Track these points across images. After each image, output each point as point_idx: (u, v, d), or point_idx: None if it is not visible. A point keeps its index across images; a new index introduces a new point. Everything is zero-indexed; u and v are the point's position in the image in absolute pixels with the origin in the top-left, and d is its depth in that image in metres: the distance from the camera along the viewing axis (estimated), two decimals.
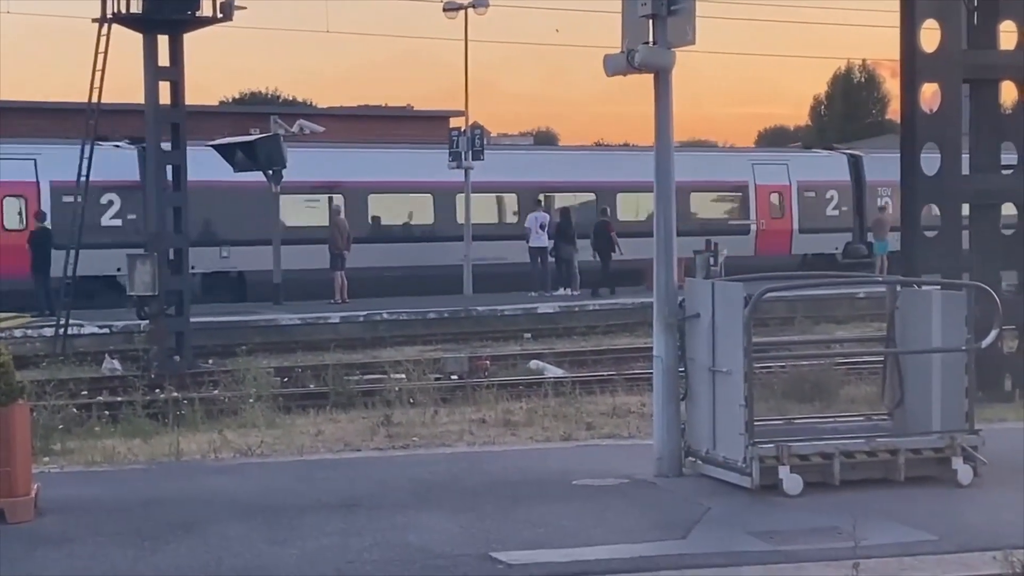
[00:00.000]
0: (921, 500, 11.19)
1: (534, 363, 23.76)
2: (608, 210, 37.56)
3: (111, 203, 33.19)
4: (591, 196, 39.04)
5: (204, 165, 29.85)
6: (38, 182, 32.57)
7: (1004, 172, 18.07)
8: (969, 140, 17.98)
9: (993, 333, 12.56)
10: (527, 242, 36.10)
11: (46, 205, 31.91)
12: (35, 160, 32.79)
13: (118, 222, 33.25)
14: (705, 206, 40.95)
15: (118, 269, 30.39)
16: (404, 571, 9.26)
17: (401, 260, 36.21)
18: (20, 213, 32.57)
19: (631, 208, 38.64)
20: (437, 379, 20.68)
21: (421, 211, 38.06)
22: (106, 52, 25.17)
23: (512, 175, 38.75)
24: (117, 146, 34.13)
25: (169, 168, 24.50)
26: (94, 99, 25.54)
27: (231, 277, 34.82)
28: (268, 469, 13.07)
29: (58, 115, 39.28)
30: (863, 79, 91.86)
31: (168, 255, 24.25)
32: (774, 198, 42.17)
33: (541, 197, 37.66)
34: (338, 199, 36.21)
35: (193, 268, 28.59)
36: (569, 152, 45.84)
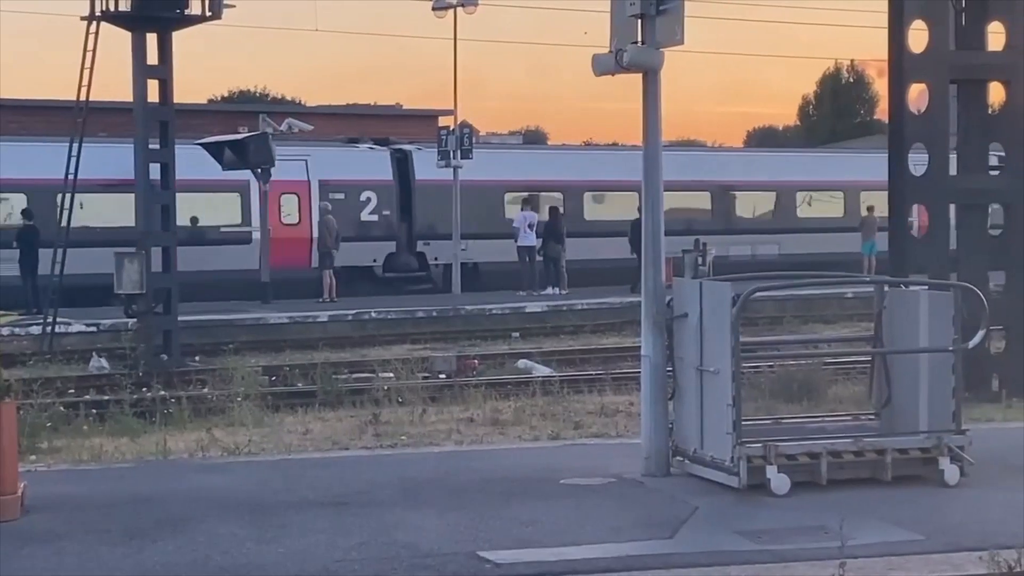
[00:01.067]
0: (908, 500, 11.20)
1: (522, 362, 23.77)
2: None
3: (369, 200, 36.77)
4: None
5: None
6: (309, 180, 35.90)
7: (991, 172, 18.11)
8: (957, 140, 18.02)
9: (980, 333, 12.57)
10: (515, 241, 36.13)
11: (315, 201, 35.65)
12: (306, 161, 35.88)
13: (374, 217, 36.95)
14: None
15: (374, 260, 36.74)
16: (392, 570, 9.26)
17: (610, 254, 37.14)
18: (297, 209, 35.83)
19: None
20: (425, 378, 20.71)
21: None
22: (95, 50, 25.17)
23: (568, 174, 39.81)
24: (372, 148, 38.23)
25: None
26: (83, 97, 25.51)
27: (468, 268, 37.31)
28: (256, 468, 13.05)
29: (45, 112, 39.17)
30: (851, 79, 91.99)
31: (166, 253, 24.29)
32: None
33: (528, 196, 37.71)
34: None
35: (436, 259, 37.03)
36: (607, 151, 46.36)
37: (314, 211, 35.70)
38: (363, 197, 36.73)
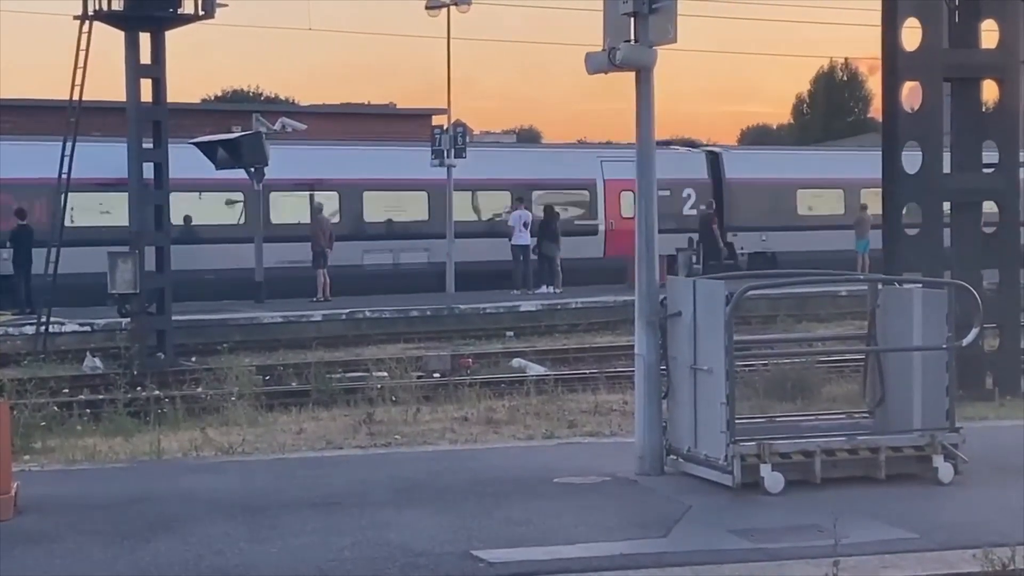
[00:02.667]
0: (902, 498, 11.20)
1: (516, 361, 23.77)
2: (713, 203, 39.60)
3: (688, 197, 40.63)
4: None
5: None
6: (599, 179, 39.88)
7: (985, 171, 18.11)
8: (950, 139, 18.02)
9: (974, 331, 12.59)
10: (510, 240, 36.12)
11: (600, 199, 39.44)
12: (600, 161, 40.13)
13: (694, 212, 40.08)
14: None
15: None
16: (385, 569, 9.25)
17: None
18: (585, 206, 39.69)
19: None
20: (419, 377, 20.70)
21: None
22: (87, 50, 25.14)
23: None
24: (689, 150, 42.80)
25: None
26: (76, 96, 25.48)
27: (767, 256, 41.00)
28: (249, 467, 13.04)
29: (35, 112, 39.11)
30: (845, 78, 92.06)
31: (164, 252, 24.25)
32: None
33: (522, 196, 37.70)
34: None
35: (742, 249, 40.76)
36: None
37: (607, 203, 39.49)
38: (684, 194, 40.51)
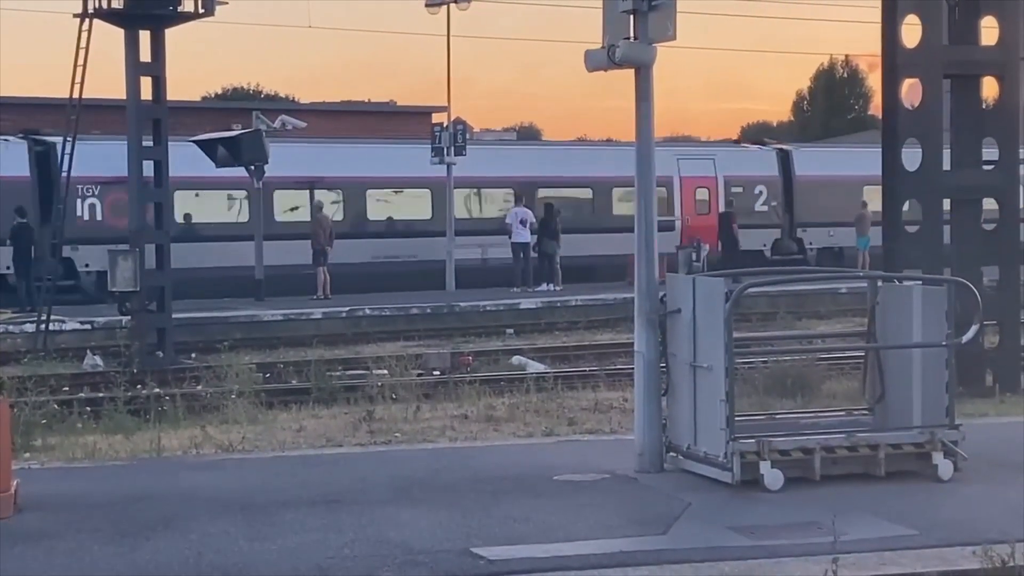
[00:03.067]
0: (901, 495, 11.20)
1: (516, 359, 23.76)
2: (733, 202, 40.45)
3: (760, 193, 42.68)
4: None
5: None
6: (716, 176, 42.02)
7: (985, 168, 18.11)
8: (950, 136, 18.02)
9: (974, 328, 12.59)
10: (509, 238, 36.12)
11: (719, 196, 41.38)
12: (713, 160, 42.38)
13: (764, 208, 42.69)
14: None
15: (763, 245, 41.99)
16: (385, 567, 9.25)
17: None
18: (706, 200, 41.76)
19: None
20: (419, 375, 20.70)
21: None
22: (87, 47, 25.13)
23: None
24: (760, 148, 44.63)
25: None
26: (76, 94, 25.48)
27: (834, 251, 42.84)
28: (249, 465, 13.04)
29: (34, 110, 39.12)
30: (845, 75, 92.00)
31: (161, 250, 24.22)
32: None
33: (521, 193, 37.72)
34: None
35: (811, 244, 42.62)
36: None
37: (720, 201, 41.10)
38: (756, 191, 42.55)
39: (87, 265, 33.25)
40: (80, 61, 25.31)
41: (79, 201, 33.42)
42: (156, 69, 24.28)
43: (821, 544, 9.32)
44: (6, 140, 34.50)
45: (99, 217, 34.08)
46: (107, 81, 50.92)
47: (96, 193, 33.94)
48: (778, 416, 13.34)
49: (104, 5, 24.30)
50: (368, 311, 31.34)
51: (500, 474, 12.19)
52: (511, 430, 15.28)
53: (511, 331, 29.69)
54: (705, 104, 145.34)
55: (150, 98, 24.30)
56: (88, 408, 17.15)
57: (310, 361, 21.78)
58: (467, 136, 37.67)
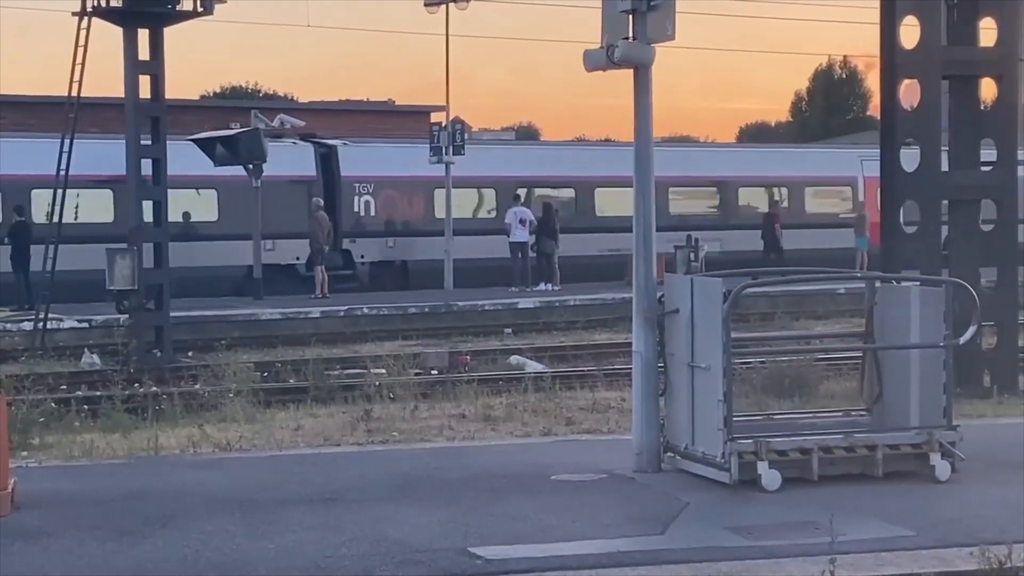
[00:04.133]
0: (899, 496, 11.21)
1: (514, 358, 23.76)
2: (779, 203, 41.09)
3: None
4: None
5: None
6: (860, 176, 42.49)
7: (983, 168, 18.12)
8: (949, 136, 18.03)
9: (972, 329, 12.59)
10: (508, 237, 36.11)
11: (860, 195, 42.07)
12: (861, 160, 42.06)
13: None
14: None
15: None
16: (382, 566, 9.25)
17: None
18: (852, 198, 43.08)
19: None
20: (417, 374, 20.70)
21: None
22: (86, 46, 25.13)
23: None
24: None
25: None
26: (74, 93, 25.47)
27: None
28: (247, 464, 13.04)
29: (33, 108, 39.07)
30: (844, 75, 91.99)
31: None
32: None
33: (520, 192, 37.71)
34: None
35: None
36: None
37: (866, 199, 40.76)
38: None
39: (362, 256, 36.74)
40: (79, 59, 25.31)
41: (355, 198, 36.66)
42: (155, 67, 24.28)
43: (819, 544, 9.32)
44: (295, 143, 36.57)
45: (373, 213, 37.01)
46: (106, 80, 50.78)
47: (371, 191, 36.81)
48: (776, 416, 13.35)
49: (103, 3, 24.29)
50: (366, 310, 31.33)
51: (498, 473, 12.19)
52: (509, 429, 15.28)
53: (509, 331, 29.68)
54: (703, 103, 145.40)
55: (149, 96, 24.31)
56: (86, 406, 17.13)
57: (308, 360, 21.76)
58: (465, 136, 37.61)
